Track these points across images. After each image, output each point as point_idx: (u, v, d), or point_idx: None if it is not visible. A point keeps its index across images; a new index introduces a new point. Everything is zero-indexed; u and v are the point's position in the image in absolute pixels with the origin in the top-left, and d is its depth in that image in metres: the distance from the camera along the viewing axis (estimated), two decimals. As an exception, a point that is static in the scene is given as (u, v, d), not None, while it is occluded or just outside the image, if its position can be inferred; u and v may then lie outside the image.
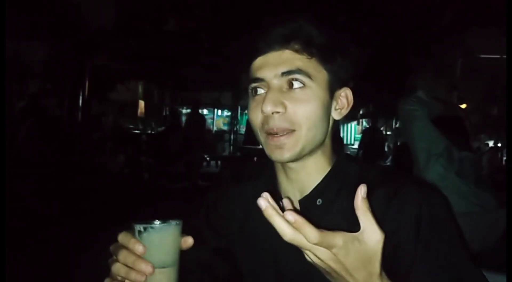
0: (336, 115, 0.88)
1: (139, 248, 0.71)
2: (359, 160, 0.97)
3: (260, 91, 0.83)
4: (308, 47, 0.81)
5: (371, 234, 0.61)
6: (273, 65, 0.81)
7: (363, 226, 0.61)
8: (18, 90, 7.53)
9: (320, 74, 0.83)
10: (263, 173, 0.98)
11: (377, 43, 6.55)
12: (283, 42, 0.81)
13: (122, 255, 0.72)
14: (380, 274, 0.64)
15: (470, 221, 2.09)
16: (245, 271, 0.96)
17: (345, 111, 0.90)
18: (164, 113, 11.44)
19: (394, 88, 7.75)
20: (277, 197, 0.91)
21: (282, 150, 0.81)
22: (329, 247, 0.60)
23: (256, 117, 0.83)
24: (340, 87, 0.88)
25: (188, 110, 9.69)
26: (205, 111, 14.22)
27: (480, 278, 0.80)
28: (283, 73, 0.80)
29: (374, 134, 10.17)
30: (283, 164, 0.87)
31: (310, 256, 0.63)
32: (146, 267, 0.70)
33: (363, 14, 6.34)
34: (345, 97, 0.89)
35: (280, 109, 0.79)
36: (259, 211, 0.96)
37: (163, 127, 9.24)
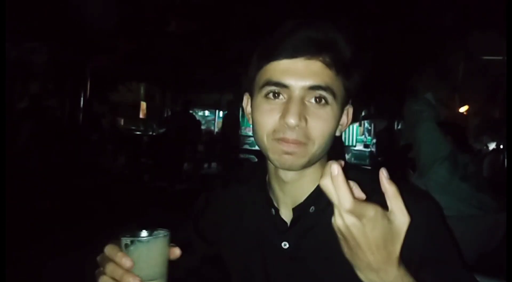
0: (337, 131, 0.86)
1: (126, 263, 0.71)
2: (354, 166, 0.95)
3: (280, 96, 0.80)
4: (338, 63, 0.79)
5: (399, 215, 0.61)
6: (301, 75, 0.78)
7: (391, 207, 0.61)
8: (20, 91, 7.54)
9: (340, 92, 0.81)
10: (252, 178, 0.97)
11: (379, 46, 6.53)
12: (315, 51, 0.78)
13: (110, 269, 0.72)
14: (398, 258, 0.63)
15: (471, 224, 2.08)
16: (235, 277, 0.96)
17: (344, 128, 0.89)
18: (165, 115, 11.45)
19: (396, 90, 7.75)
20: (270, 203, 0.91)
21: (290, 157, 0.79)
22: (359, 217, 0.60)
23: (267, 122, 0.80)
24: (347, 104, 0.87)
25: (191, 111, 9.61)
26: (206, 113, 14.27)
27: None
28: (311, 87, 0.78)
29: (389, 136, 10.05)
30: (278, 174, 0.86)
31: (337, 220, 0.62)
32: (134, 281, 0.70)
33: (365, 16, 6.33)
34: (346, 115, 0.88)
35: (302, 123, 0.77)
36: (250, 217, 0.95)
37: (164, 129, 9.23)
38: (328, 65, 0.79)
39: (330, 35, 0.80)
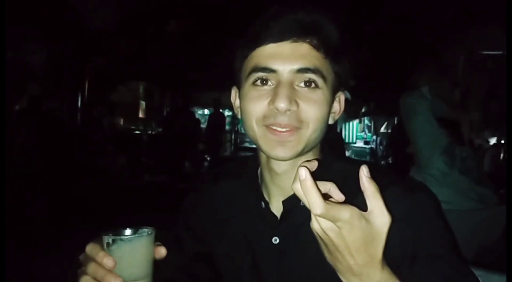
0: (330, 119, 0.84)
1: (108, 262, 0.68)
2: (347, 158, 0.93)
3: (268, 82, 0.77)
4: (326, 45, 0.77)
5: (379, 215, 0.58)
6: (288, 58, 0.75)
7: (370, 207, 0.59)
8: (18, 92, 7.54)
9: (330, 76, 0.79)
10: (243, 172, 0.94)
11: (379, 42, 6.51)
12: (302, 34, 0.76)
13: (91, 268, 0.69)
14: (382, 260, 0.60)
15: (471, 218, 2.06)
16: (225, 274, 0.93)
17: (337, 116, 0.87)
18: (165, 114, 11.44)
19: (396, 86, 7.72)
20: (260, 197, 0.89)
21: (284, 147, 0.76)
22: (334, 220, 0.57)
23: (256, 109, 0.78)
24: (338, 91, 0.85)
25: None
26: (205, 111, 14.20)
27: (470, 277, 0.77)
28: (300, 70, 0.75)
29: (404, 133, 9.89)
30: (270, 166, 0.84)
31: (313, 224, 0.60)
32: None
33: (364, 12, 6.30)
34: (338, 102, 0.86)
35: (293, 107, 0.75)
36: (240, 212, 0.93)
37: (163, 128, 9.22)
38: (315, 47, 0.76)
39: (316, 17, 0.78)
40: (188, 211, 1.03)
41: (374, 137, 12.24)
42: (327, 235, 0.59)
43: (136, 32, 7.43)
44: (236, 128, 12.64)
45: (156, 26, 7.51)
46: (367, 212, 0.59)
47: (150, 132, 9.92)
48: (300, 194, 0.58)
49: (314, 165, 0.63)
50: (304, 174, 0.57)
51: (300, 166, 0.59)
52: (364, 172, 0.59)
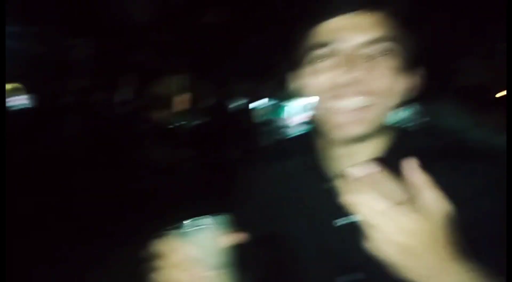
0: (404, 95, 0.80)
1: (189, 252, 0.67)
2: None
3: (332, 57, 0.73)
4: (398, 14, 0.72)
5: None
6: (356, 30, 0.70)
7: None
8: (64, 87, 7.72)
9: (402, 48, 0.74)
10: (301, 151, 0.90)
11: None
12: (371, 3, 0.70)
13: (172, 260, 0.68)
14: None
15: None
16: (291, 255, 0.90)
17: (410, 93, 0.81)
18: (206, 106, 11.46)
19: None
20: (324, 178, 0.84)
21: (351, 125, 0.73)
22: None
23: (319, 83, 0.74)
24: (412, 66, 0.78)
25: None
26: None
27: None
28: (368, 42, 0.70)
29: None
30: (327, 151, 0.82)
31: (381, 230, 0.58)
32: (200, 271, 0.67)
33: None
34: (412, 79, 0.80)
35: (361, 79, 0.70)
36: (303, 193, 0.88)
37: (207, 119, 9.22)
38: (386, 17, 0.71)
39: None
40: (243, 194, 1.00)
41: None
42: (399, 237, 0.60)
43: (177, 25, 7.47)
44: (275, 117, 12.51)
45: (195, 17, 7.52)
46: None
47: (194, 123, 9.92)
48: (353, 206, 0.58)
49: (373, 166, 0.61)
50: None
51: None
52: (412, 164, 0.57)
